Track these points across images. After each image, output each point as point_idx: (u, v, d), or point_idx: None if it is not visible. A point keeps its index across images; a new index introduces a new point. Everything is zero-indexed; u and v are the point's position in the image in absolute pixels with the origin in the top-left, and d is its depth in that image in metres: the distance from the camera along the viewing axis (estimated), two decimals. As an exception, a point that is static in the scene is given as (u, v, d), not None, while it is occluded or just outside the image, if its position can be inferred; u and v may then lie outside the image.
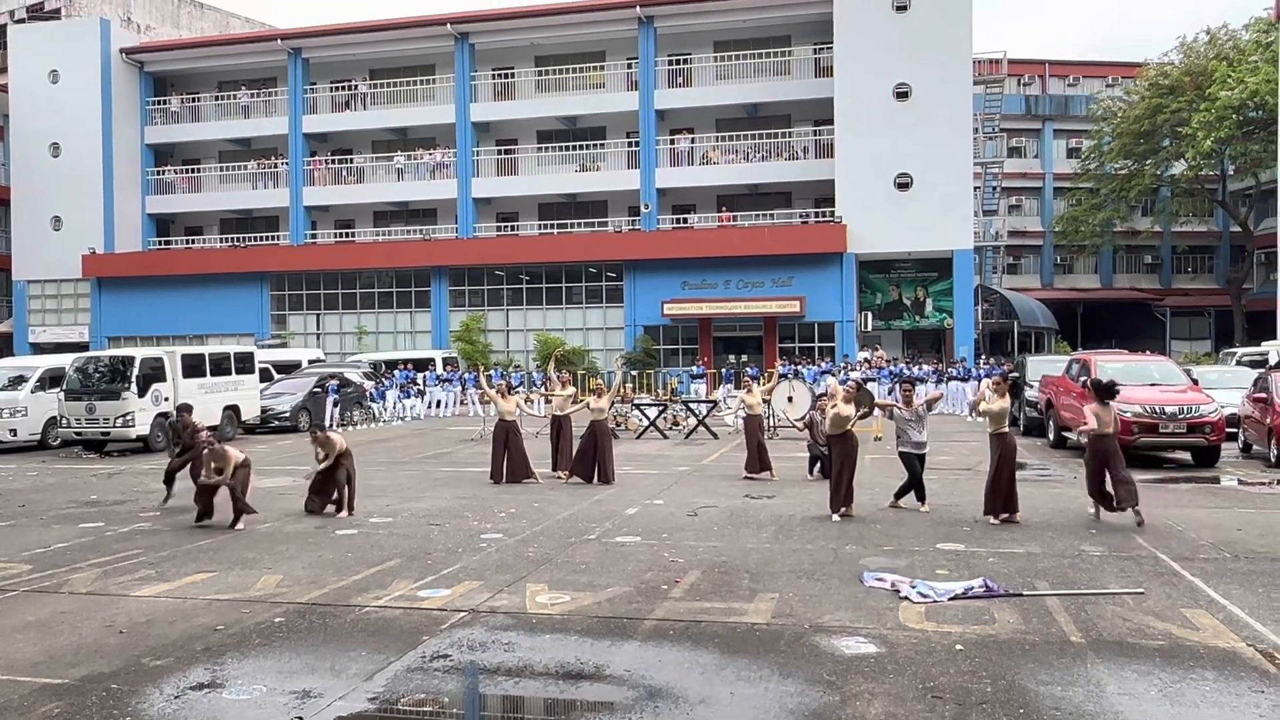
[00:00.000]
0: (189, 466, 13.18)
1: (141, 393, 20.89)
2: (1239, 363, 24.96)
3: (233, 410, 23.32)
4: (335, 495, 12.42)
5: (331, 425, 23.77)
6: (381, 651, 6.81)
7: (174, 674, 6.43)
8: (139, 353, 22.03)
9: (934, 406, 13.29)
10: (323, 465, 12.36)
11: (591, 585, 8.52)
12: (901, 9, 32.78)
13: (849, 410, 11.95)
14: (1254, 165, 39.80)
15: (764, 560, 9.42)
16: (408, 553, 9.98)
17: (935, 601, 7.86)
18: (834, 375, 26.89)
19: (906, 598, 7.95)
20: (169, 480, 13.54)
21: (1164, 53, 41.87)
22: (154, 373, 21.35)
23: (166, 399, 21.33)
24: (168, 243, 42.32)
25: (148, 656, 6.80)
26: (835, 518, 11.47)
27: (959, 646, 6.76)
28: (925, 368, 28.92)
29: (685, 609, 7.75)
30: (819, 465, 14.84)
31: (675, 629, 7.24)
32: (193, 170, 42.25)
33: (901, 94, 32.80)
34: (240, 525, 11.57)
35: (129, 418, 20.72)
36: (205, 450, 12.24)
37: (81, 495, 14.76)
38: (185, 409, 14.15)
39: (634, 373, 32.14)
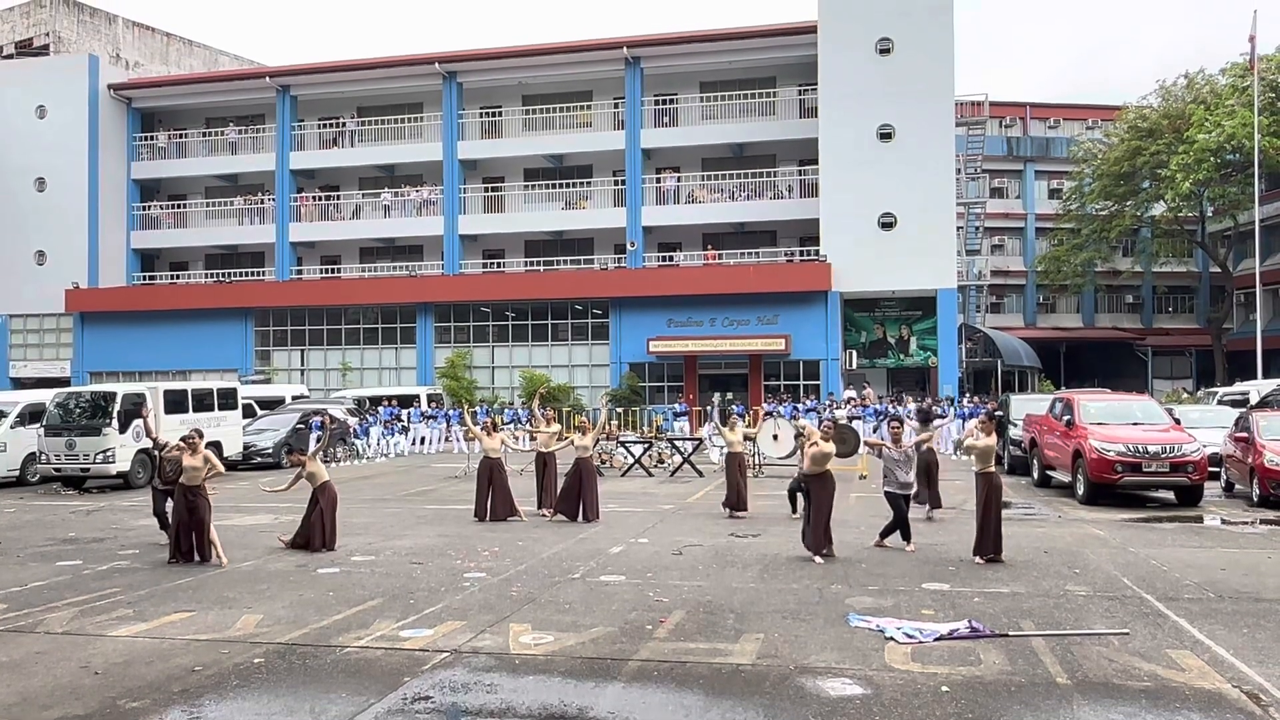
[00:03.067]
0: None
1: (123, 428, 20.70)
2: (1220, 402, 25.12)
3: (215, 446, 23.08)
4: (310, 534, 12.37)
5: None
6: (362, 693, 6.72)
7: (150, 716, 6.33)
8: (121, 388, 21.84)
9: (923, 447, 13.30)
10: (282, 489, 13.17)
11: (575, 625, 8.45)
12: (884, 52, 33.24)
13: (830, 448, 11.94)
14: (1232, 207, 40.37)
15: (749, 600, 9.37)
16: (390, 592, 9.88)
17: (921, 642, 7.82)
18: (820, 411, 26.99)
19: (892, 638, 7.91)
20: (164, 523, 13.18)
21: (1142, 96, 42.57)
22: (136, 408, 21.12)
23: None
24: (152, 278, 42.20)
25: (124, 698, 6.69)
26: (818, 560, 11.42)
27: (945, 688, 6.73)
28: (909, 406, 28.93)
29: (670, 649, 7.69)
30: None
31: (660, 670, 7.17)
32: (179, 206, 42.23)
33: (885, 135, 33.17)
34: (224, 561, 11.46)
35: (109, 454, 20.53)
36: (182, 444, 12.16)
37: (59, 533, 14.57)
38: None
39: (619, 410, 32.08)
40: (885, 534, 12.29)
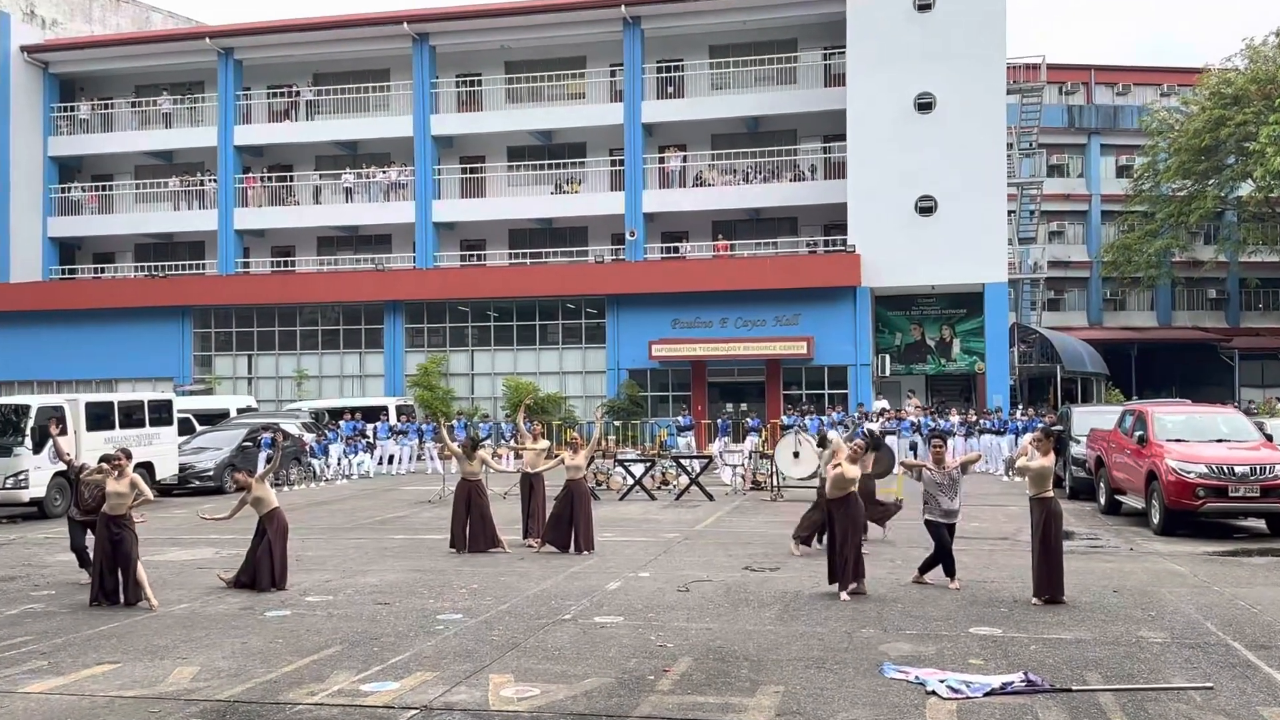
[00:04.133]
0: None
1: (37, 448, 20.61)
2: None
3: (145, 468, 23.07)
4: (256, 570, 12.34)
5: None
6: (315, 757, 6.70)
7: (66, 785, 6.30)
8: (35, 400, 21.84)
9: (970, 469, 13.25)
10: (223, 517, 13.00)
11: (565, 676, 8.45)
12: (924, 8, 33.27)
13: (854, 471, 11.95)
14: (1333, 186, 40.25)
15: (767, 646, 9.37)
16: (350, 638, 9.88)
17: (968, 698, 7.81)
18: (848, 425, 26.99)
19: (934, 693, 7.90)
20: (84, 559, 13.02)
21: (1227, 57, 42.56)
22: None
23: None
24: (73, 271, 42.27)
25: (36, 764, 6.66)
26: (844, 596, 11.41)
27: (997, 750, 6.70)
28: (953, 419, 28.96)
29: (675, 704, 7.68)
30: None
31: (663, 730, 7.16)
32: (104, 187, 42.29)
33: (924, 105, 33.20)
34: (154, 603, 11.42)
35: (22, 477, 20.46)
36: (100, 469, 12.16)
37: (-36, 569, 14.56)
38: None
39: (617, 423, 32.07)
40: (926, 568, 12.28)
